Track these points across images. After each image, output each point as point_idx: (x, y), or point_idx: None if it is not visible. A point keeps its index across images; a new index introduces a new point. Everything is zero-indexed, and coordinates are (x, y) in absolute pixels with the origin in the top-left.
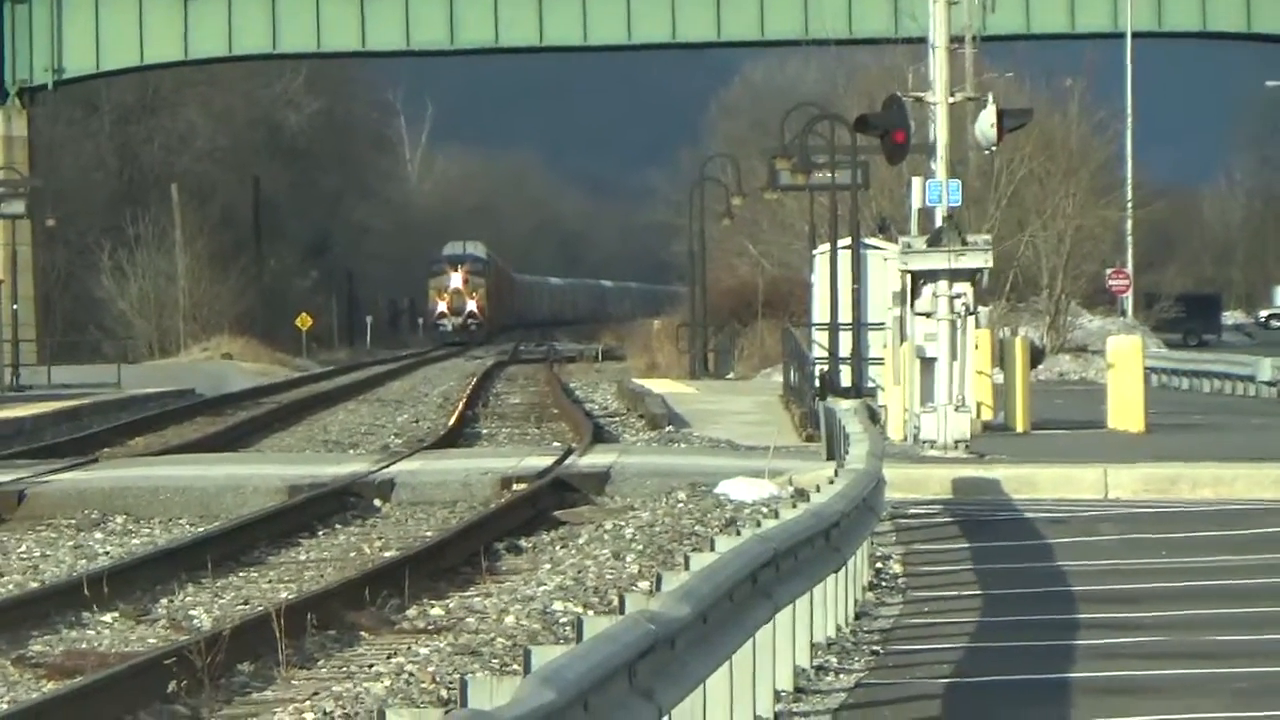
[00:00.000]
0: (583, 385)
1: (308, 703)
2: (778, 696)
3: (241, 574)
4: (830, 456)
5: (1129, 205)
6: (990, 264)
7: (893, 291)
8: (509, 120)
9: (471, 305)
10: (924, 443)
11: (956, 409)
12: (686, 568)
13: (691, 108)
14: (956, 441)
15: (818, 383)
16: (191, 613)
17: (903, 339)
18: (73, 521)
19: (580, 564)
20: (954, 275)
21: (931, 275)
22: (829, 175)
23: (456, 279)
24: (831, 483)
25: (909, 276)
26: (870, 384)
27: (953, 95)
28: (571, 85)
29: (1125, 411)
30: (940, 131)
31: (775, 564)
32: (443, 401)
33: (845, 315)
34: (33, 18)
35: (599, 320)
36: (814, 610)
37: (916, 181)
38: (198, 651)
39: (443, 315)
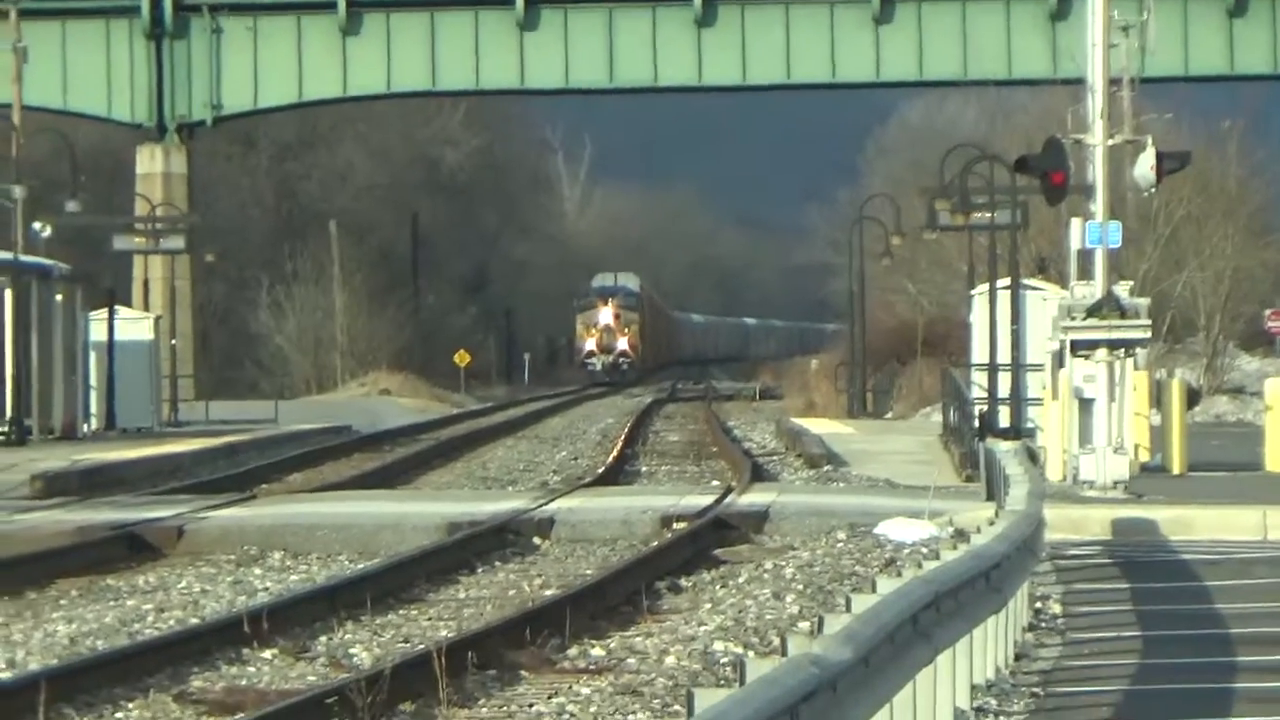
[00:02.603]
0: (741, 424)
1: None
2: None
3: (401, 612)
4: (990, 497)
5: None
6: (1149, 335)
7: (1050, 351)
8: (667, 158)
9: (623, 343)
10: (1083, 483)
11: (1115, 450)
12: (848, 609)
13: (849, 147)
14: (1115, 482)
15: (977, 423)
16: (351, 650)
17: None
18: (232, 557)
19: (740, 604)
20: (1112, 344)
21: (1090, 343)
22: (988, 216)
23: (607, 314)
24: (992, 524)
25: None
26: (1029, 425)
27: (1111, 137)
28: (730, 124)
29: None
30: (1099, 173)
31: (936, 605)
32: (601, 439)
33: (1004, 356)
34: (191, 54)
35: (740, 359)
36: (974, 651)
37: (1075, 222)
38: (358, 690)
39: (591, 354)
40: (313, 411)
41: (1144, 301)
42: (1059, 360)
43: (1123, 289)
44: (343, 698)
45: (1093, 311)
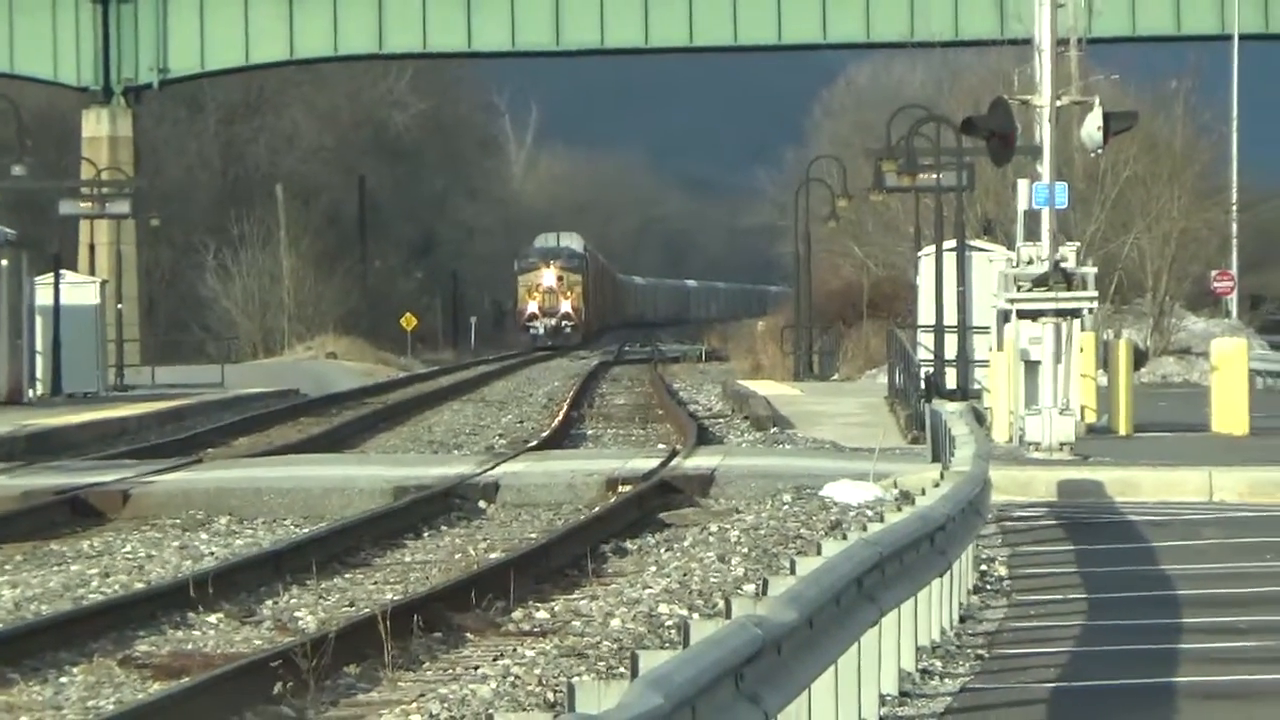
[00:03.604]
0: (687, 386)
1: (414, 705)
2: (882, 700)
3: (347, 575)
4: (936, 459)
5: (1234, 207)
6: (1096, 305)
7: (996, 308)
8: (613, 121)
9: (566, 306)
10: (1029, 445)
11: (1061, 411)
12: (792, 571)
13: (796, 109)
14: (1061, 444)
15: (923, 385)
16: (297, 614)
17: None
18: (177, 522)
19: (685, 567)
20: (1059, 312)
21: (1036, 313)
22: (934, 177)
23: (550, 276)
24: (937, 485)
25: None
26: (975, 386)
27: (1058, 98)
28: (676, 86)
29: (1229, 414)
30: (1046, 134)
31: (881, 568)
32: (547, 402)
33: (950, 317)
34: (138, 17)
35: (682, 321)
36: (919, 613)
37: (1022, 184)
38: (303, 653)
39: (533, 317)
40: (259, 375)
41: (1090, 270)
42: (1004, 318)
43: (1069, 250)
44: (288, 661)
45: (1039, 282)
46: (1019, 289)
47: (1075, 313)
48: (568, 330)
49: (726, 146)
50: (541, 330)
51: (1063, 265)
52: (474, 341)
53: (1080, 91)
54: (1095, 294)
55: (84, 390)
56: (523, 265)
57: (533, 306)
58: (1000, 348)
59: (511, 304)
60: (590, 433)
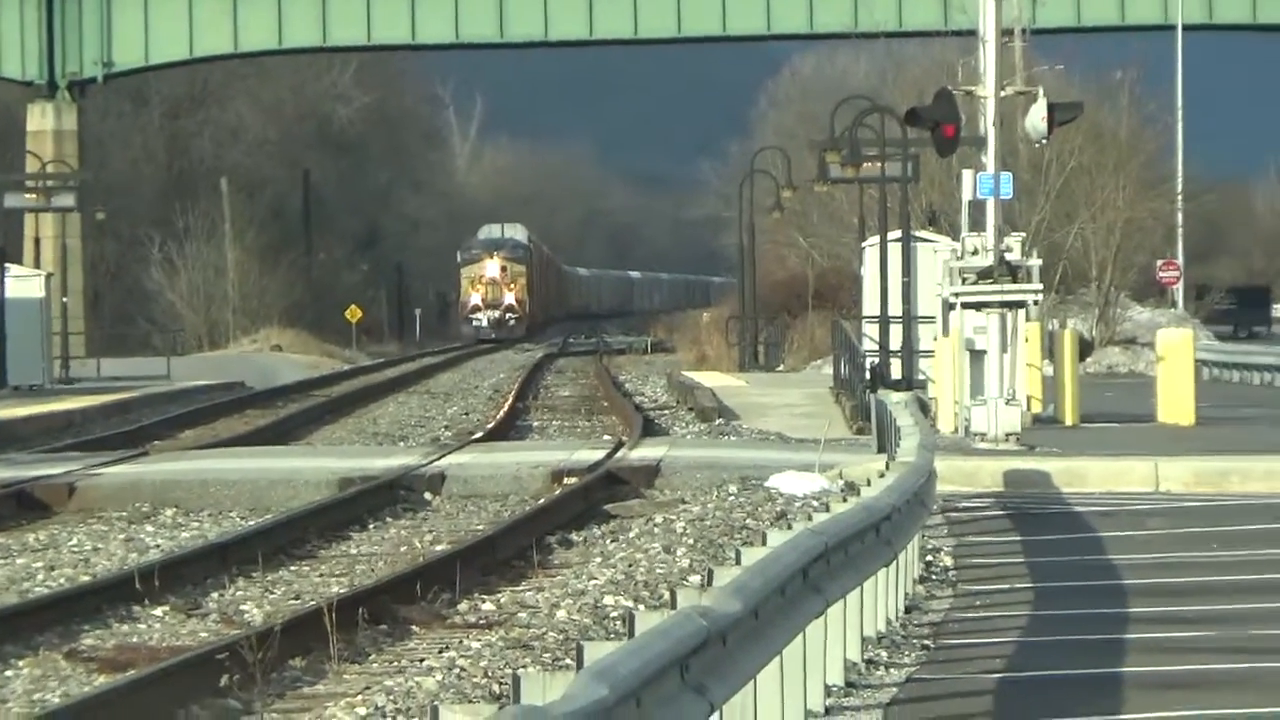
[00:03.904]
0: (632, 378)
1: (359, 697)
2: (828, 691)
3: (292, 568)
4: (881, 449)
5: (1179, 197)
6: (1040, 297)
7: (941, 299)
8: (558, 113)
9: (510, 298)
10: (975, 435)
11: (1007, 402)
12: (738, 562)
13: (741, 100)
14: (1007, 434)
15: (868, 375)
16: (243, 607)
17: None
18: (123, 514)
19: (631, 558)
20: (1004, 304)
21: (981, 305)
22: (879, 168)
23: (493, 267)
24: (882, 476)
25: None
26: (921, 376)
27: (1003, 89)
28: (621, 78)
29: (1175, 404)
30: (990, 125)
31: (826, 558)
32: (493, 394)
33: (895, 308)
34: (82, 11)
35: (626, 313)
36: (865, 604)
37: (967, 174)
38: (249, 646)
39: (476, 309)
40: (205, 368)
41: (1035, 263)
42: (949, 306)
43: (1014, 241)
44: (234, 654)
45: (984, 275)
46: (964, 281)
47: (1020, 304)
48: (511, 322)
49: (672, 138)
50: (485, 322)
51: (1008, 258)
52: (419, 334)
53: (1025, 82)
54: (1040, 287)
55: (29, 383)
56: (466, 256)
57: (476, 298)
58: (946, 333)
59: (455, 296)
60: (536, 424)
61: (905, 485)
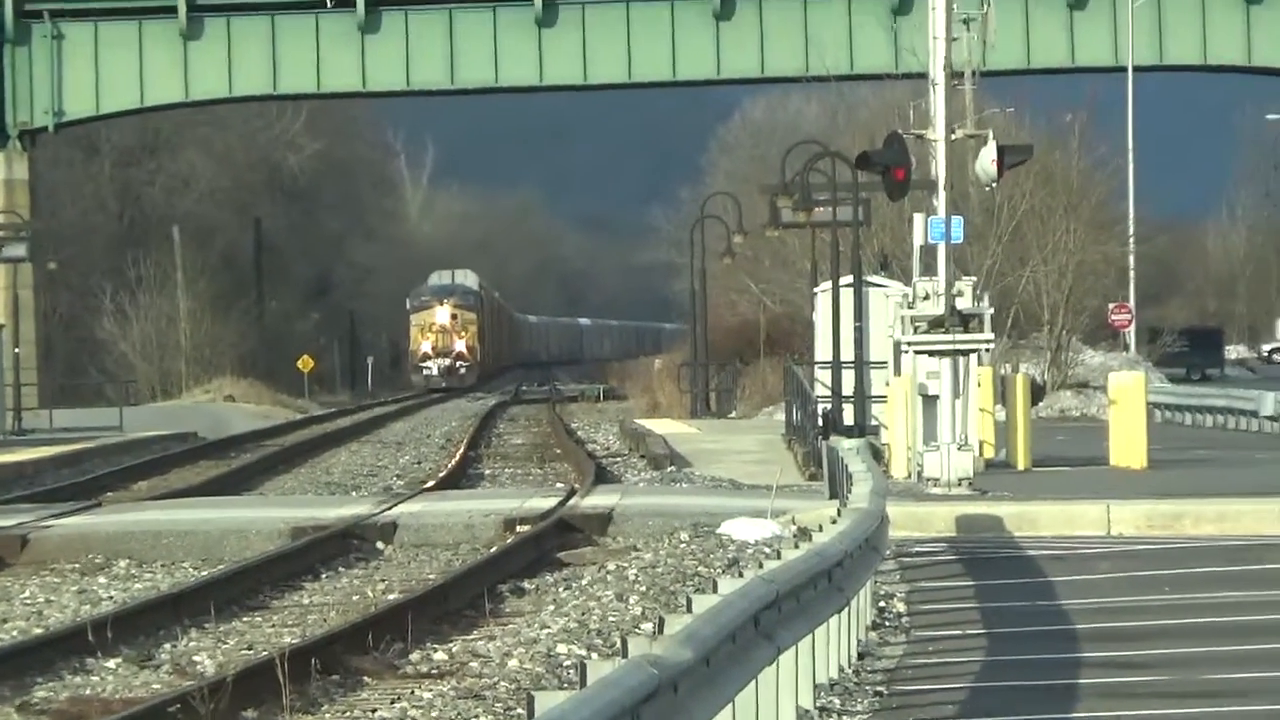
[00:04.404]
0: (584, 425)
1: None
2: None
3: (245, 618)
4: (833, 495)
5: (1131, 240)
6: (992, 345)
7: (893, 341)
8: (510, 159)
9: (460, 345)
10: (927, 480)
11: (959, 447)
12: (689, 610)
13: (692, 145)
14: (959, 479)
15: (820, 421)
16: (195, 658)
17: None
18: (76, 566)
19: (584, 606)
20: (956, 351)
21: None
22: (830, 212)
23: (443, 314)
24: (834, 522)
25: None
26: (873, 422)
27: (953, 132)
28: (572, 124)
29: (1127, 447)
30: (941, 168)
31: (778, 605)
32: (445, 443)
33: (848, 353)
34: (33, 60)
35: (575, 360)
36: (817, 650)
37: (919, 218)
38: (202, 698)
39: (427, 356)
40: (158, 418)
41: (987, 311)
42: (900, 349)
43: (966, 285)
44: (186, 705)
45: (935, 324)
46: (915, 330)
47: (975, 351)
48: (462, 371)
49: (623, 184)
50: (435, 371)
51: (959, 305)
52: (371, 382)
53: (975, 125)
54: (991, 336)
55: None
56: (416, 303)
57: (426, 346)
58: (898, 372)
59: (405, 344)
60: (488, 472)
61: (857, 531)
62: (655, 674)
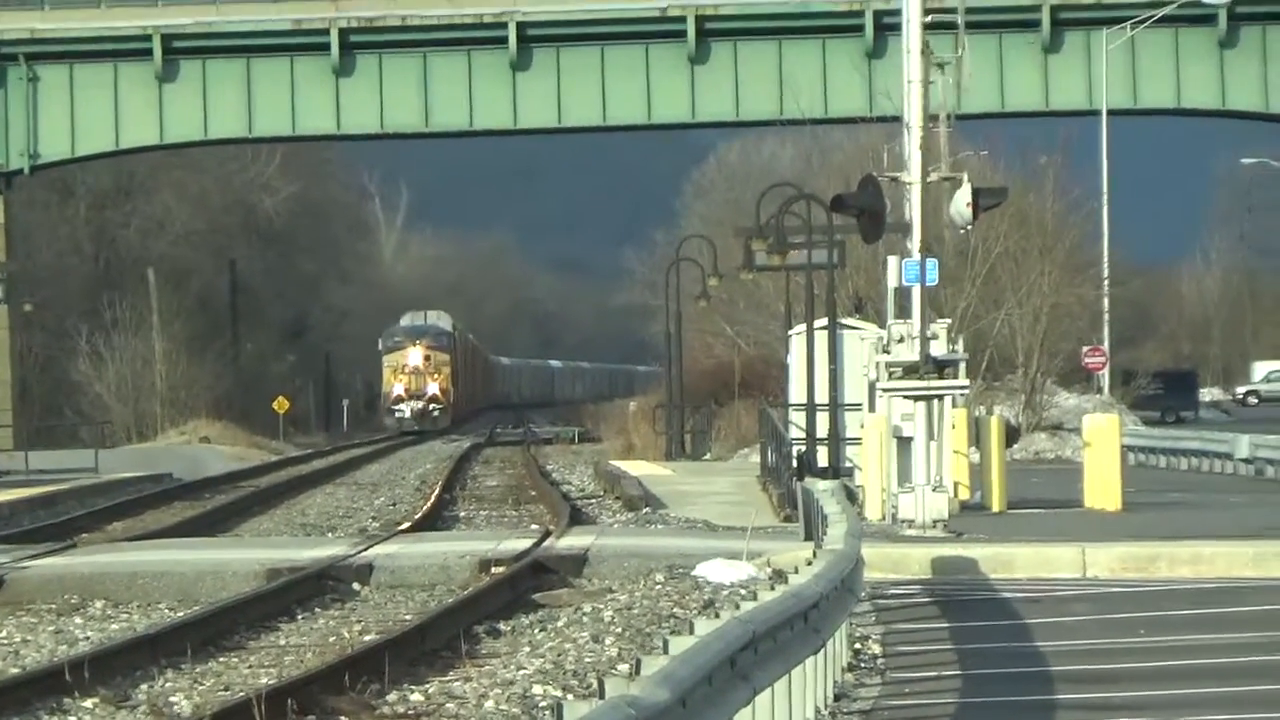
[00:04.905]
0: (559, 467)
1: None
2: None
3: (221, 659)
4: (808, 537)
5: (1105, 282)
6: (967, 391)
7: (869, 383)
8: (484, 202)
9: (433, 388)
10: (902, 522)
11: (934, 488)
12: (665, 651)
13: (666, 188)
14: (934, 521)
15: (795, 463)
16: (172, 699)
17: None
18: (52, 607)
19: (559, 647)
20: (930, 395)
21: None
22: (805, 255)
23: (416, 355)
24: (810, 564)
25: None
26: (848, 464)
27: (928, 175)
28: (546, 167)
29: (1102, 490)
30: (915, 212)
31: (754, 647)
32: (420, 484)
33: (822, 395)
34: (8, 103)
35: (547, 403)
36: (793, 692)
37: (893, 261)
38: None
39: (399, 399)
40: (133, 460)
41: (962, 356)
42: (873, 390)
43: (940, 328)
44: None
45: (910, 370)
46: (890, 375)
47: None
48: (435, 413)
49: (597, 227)
50: (408, 413)
51: (933, 350)
52: (346, 424)
53: (950, 168)
54: (966, 382)
55: None
56: (388, 345)
57: (399, 388)
58: (873, 409)
59: (379, 386)
60: (463, 514)
61: (833, 573)
62: (633, 714)
